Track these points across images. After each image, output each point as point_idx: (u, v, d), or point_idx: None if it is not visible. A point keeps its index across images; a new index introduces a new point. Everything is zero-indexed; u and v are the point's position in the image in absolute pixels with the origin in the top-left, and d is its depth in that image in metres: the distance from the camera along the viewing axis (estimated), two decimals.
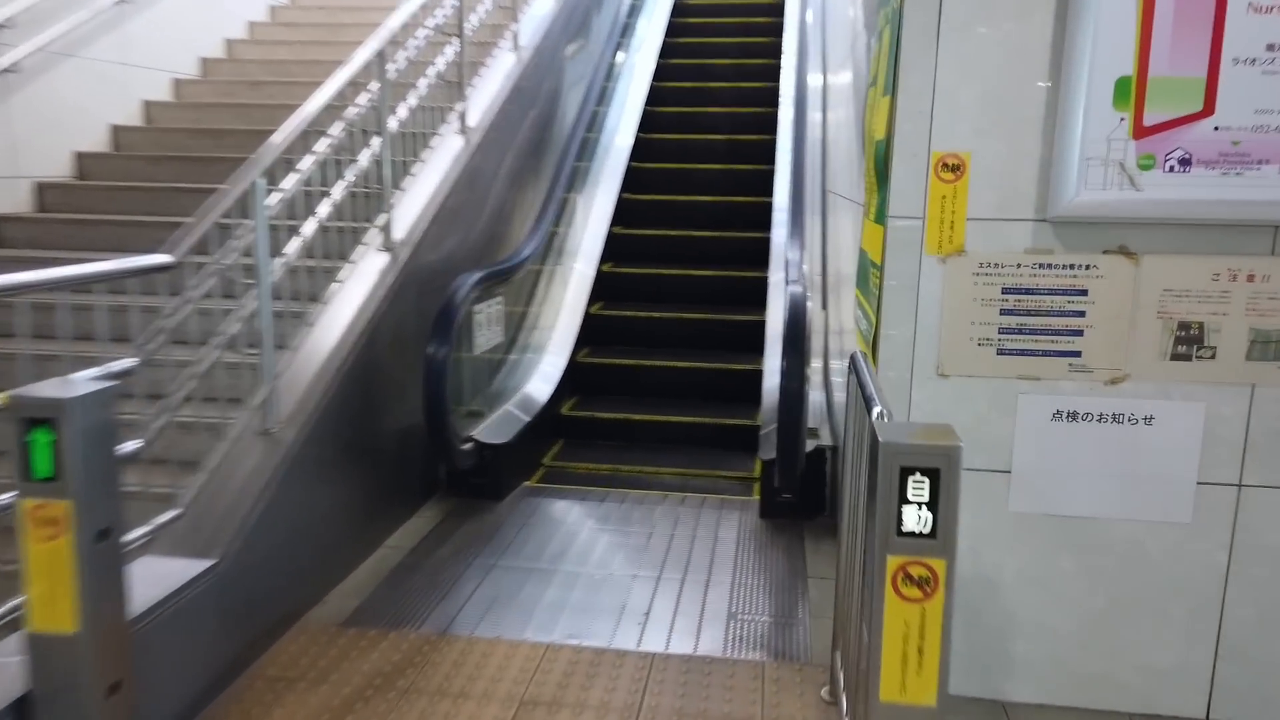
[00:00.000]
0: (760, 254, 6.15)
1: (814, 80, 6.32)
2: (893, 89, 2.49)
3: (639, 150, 7.07)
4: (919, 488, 1.56)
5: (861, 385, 2.03)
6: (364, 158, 3.72)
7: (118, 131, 5.28)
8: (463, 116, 4.75)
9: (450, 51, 4.71)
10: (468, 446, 3.96)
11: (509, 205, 5.47)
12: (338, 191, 3.53)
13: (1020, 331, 2.44)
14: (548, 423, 4.88)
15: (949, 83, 2.39)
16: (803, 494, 3.81)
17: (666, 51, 8.12)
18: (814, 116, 5.97)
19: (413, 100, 4.24)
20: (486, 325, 4.25)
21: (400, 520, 3.88)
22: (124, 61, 5.38)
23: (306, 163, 3.35)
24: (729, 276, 6.07)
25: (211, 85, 5.96)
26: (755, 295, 5.84)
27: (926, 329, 2.48)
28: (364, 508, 3.57)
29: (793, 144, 5.58)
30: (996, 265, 2.43)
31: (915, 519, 1.55)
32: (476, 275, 4.05)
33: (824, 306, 4.67)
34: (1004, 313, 2.44)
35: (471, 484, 4.14)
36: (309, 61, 5.96)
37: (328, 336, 3.37)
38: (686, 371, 5.36)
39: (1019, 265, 2.42)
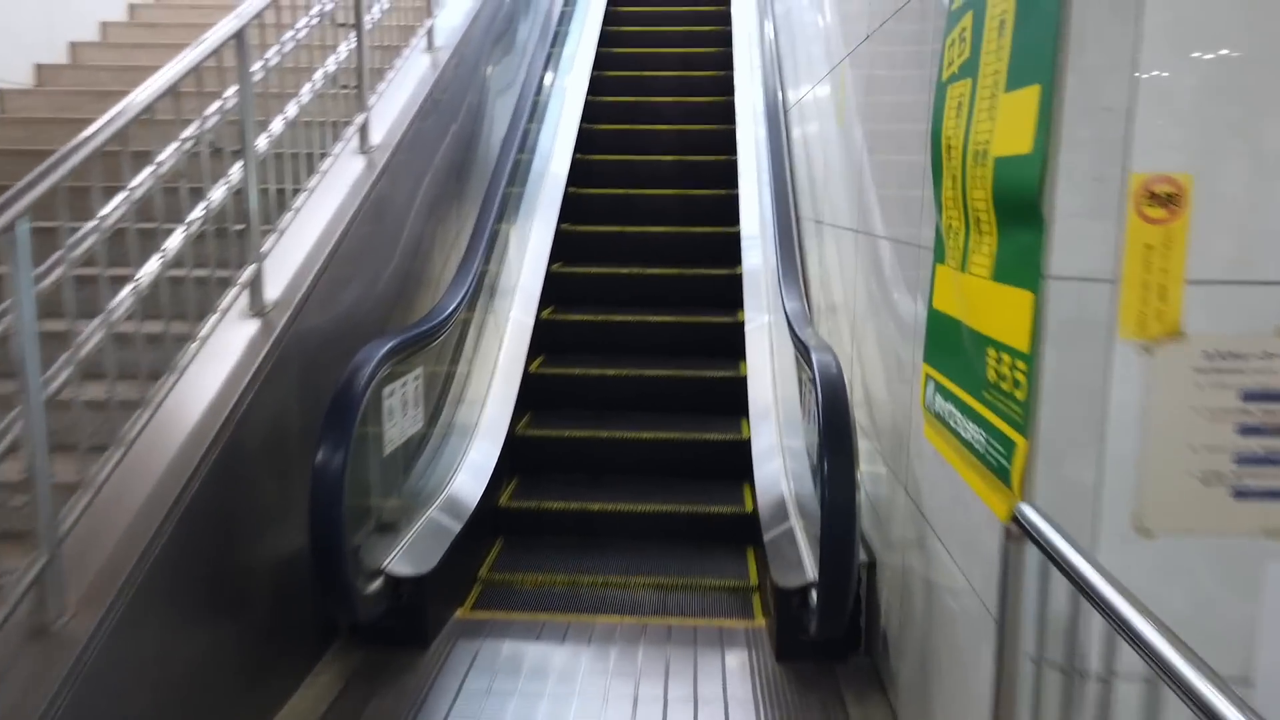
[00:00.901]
0: (728, 294, 5.22)
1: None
2: (1049, 76, 1.57)
3: (576, 173, 6.09)
4: None
5: (1146, 649, 1.05)
6: (219, 190, 2.63)
7: None
8: (364, 132, 3.68)
9: (345, 50, 3.65)
10: (376, 586, 2.86)
11: (427, 240, 4.40)
12: (175, 240, 2.43)
13: (1271, 461, 1.53)
14: (484, 520, 3.81)
15: (1160, 62, 1.47)
16: None
17: (601, 62, 7.20)
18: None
19: (293, 110, 3.16)
20: (401, 410, 3.17)
21: (279, 700, 2.74)
22: None
23: (125, 196, 2.27)
24: (694, 323, 5.10)
25: (47, 97, 4.77)
26: (727, 345, 4.91)
27: (1118, 458, 1.55)
28: (221, 695, 2.46)
29: (771, 165, 4.66)
30: (1234, 355, 1.51)
31: None
32: (386, 345, 2.98)
33: None
34: (1245, 431, 1.53)
35: (383, 627, 3.04)
36: None
37: (156, 457, 2.27)
38: (651, 445, 4.35)
39: (1270, 356, 1.51)
